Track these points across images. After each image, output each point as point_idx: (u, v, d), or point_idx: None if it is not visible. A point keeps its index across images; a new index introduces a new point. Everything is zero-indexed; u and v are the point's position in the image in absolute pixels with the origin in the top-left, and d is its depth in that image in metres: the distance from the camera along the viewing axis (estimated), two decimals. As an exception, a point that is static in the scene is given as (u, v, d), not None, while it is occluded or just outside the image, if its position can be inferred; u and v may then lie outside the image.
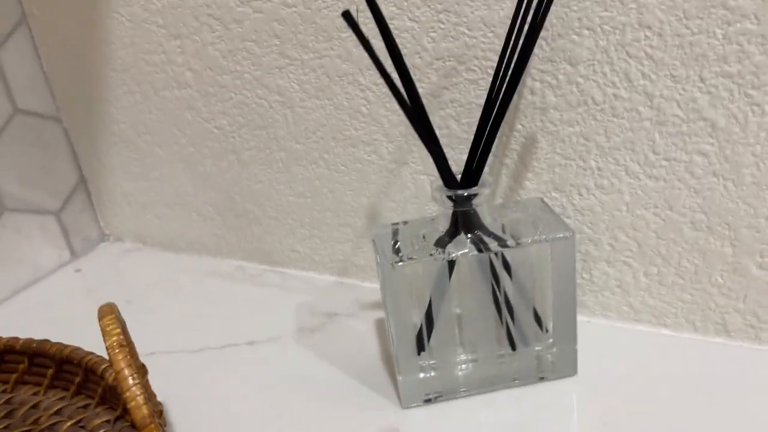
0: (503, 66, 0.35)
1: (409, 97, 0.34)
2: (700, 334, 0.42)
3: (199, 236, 0.60)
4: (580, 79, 0.38)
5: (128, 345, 0.30)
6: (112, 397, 0.40)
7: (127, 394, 0.27)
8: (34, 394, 0.43)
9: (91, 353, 0.41)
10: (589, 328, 0.44)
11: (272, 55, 0.47)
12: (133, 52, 0.54)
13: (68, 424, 0.40)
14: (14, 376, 0.44)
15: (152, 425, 0.27)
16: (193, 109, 0.53)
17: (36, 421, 0.40)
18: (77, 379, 0.42)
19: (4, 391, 0.43)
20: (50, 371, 0.43)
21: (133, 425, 0.37)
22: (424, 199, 0.47)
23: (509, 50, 0.35)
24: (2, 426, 0.40)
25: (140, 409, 0.27)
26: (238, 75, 0.50)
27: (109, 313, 0.30)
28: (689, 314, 0.41)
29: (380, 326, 0.47)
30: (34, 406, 0.42)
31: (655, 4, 0.35)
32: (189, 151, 0.56)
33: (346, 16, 0.30)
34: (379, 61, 0.32)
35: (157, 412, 0.40)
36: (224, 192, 0.56)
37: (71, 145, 0.62)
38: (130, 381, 0.27)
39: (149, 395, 0.39)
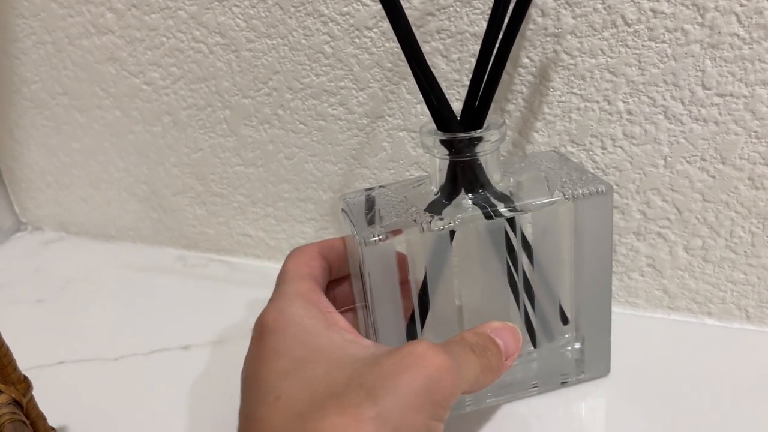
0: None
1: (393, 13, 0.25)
2: (755, 324, 0.33)
3: (132, 221, 0.50)
4: (608, -9, 0.29)
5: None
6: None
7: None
8: None
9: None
10: (618, 321, 0.35)
11: (211, -16, 0.37)
12: (41, -9, 0.43)
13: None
14: None
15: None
16: (116, 61, 0.43)
17: None
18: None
19: None
20: None
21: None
22: (404, 163, 0.37)
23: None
24: None
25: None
26: (170, 12, 0.40)
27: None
28: (741, 298, 0.33)
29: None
30: None
31: None
32: (115, 115, 0.45)
33: None
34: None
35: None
36: (159, 164, 0.46)
37: (-26, 114, 0.51)
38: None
39: (35, 417, 0.28)
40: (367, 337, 0.28)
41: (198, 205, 0.46)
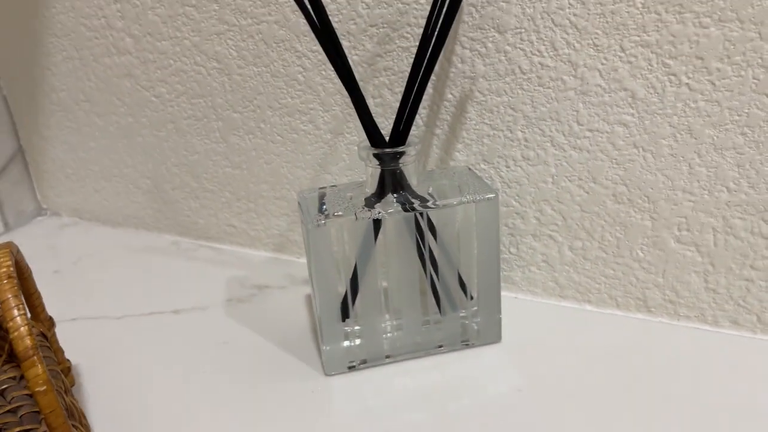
0: (430, 30, 0.35)
1: (335, 53, 0.34)
2: (622, 311, 0.42)
3: (136, 210, 0.59)
4: (507, 47, 0.38)
5: (24, 281, 0.29)
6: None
7: (11, 323, 0.26)
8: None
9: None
10: (516, 303, 0.44)
11: (211, 21, 0.47)
12: (74, 17, 0.53)
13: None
14: None
15: (35, 357, 0.26)
16: (131, 77, 0.53)
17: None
18: (-15, 335, 0.40)
19: None
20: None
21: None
22: (359, 171, 0.47)
23: (436, 15, 0.35)
24: None
25: (23, 340, 0.26)
26: (177, 41, 0.49)
27: (4, 247, 0.29)
28: (612, 290, 0.42)
29: (310, 300, 0.47)
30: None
31: (579, -27, 0.35)
32: (128, 120, 0.55)
33: None
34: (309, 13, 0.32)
35: (65, 369, 0.39)
36: (162, 163, 0.55)
37: (10, 113, 0.61)
38: (15, 312, 0.26)
39: (56, 349, 0.37)
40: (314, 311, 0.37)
41: (192, 198, 0.55)
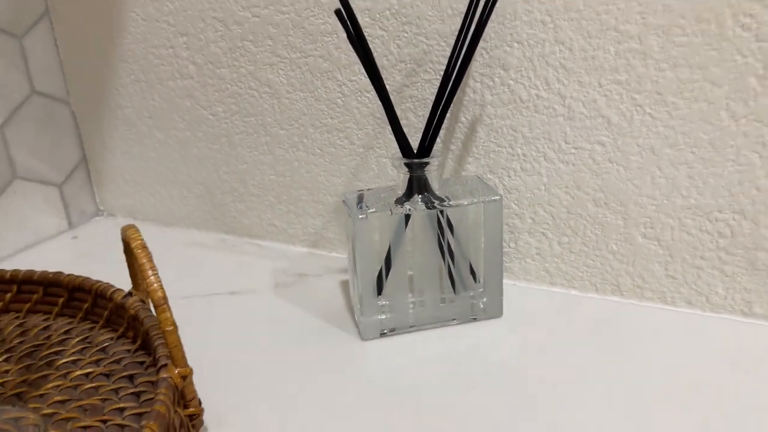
0: (450, 68, 0.45)
1: (377, 85, 0.44)
2: (600, 294, 0.52)
3: (188, 212, 0.68)
4: (510, 82, 0.48)
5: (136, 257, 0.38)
6: (116, 319, 0.48)
7: (147, 280, 0.35)
8: (45, 320, 0.50)
9: (100, 281, 0.48)
10: (515, 288, 0.54)
11: (265, 53, 0.57)
12: (144, 47, 0.63)
13: (76, 340, 0.47)
14: (27, 305, 0.51)
15: (165, 305, 0.35)
16: (192, 98, 0.62)
17: (47, 338, 0.48)
18: (85, 306, 0.49)
19: (17, 318, 0.51)
20: (62, 300, 0.50)
21: (133, 340, 0.46)
22: (385, 179, 0.56)
23: (456, 54, 0.45)
24: (17, 342, 0.48)
25: (157, 292, 0.35)
26: (234, 69, 0.59)
27: (132, 227, 0.38)
28: (592, 277, 0.51)
29: (344, 286, 0.56)
30: (45, 329, 0.49)
31: (567, 25, 0.46)
32: (185, 135, 0.64)
33: (338, 13, 0.40)
34: (365, 48, 0.42)
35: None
36: (214, 172, 0.65)
37: (77, 126, 0.71)
38: (150, 272, 0.36)
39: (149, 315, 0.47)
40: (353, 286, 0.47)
41: (239, 202, 0.65)
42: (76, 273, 0.50)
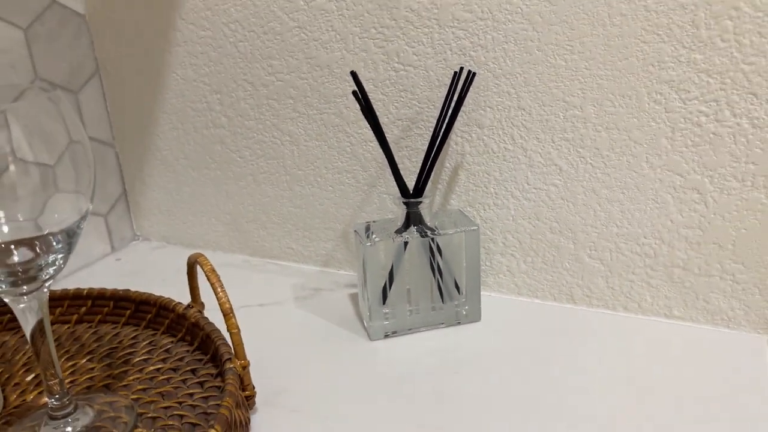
0: (438, 126, 0.59)
1: (380, 137, 0.57)
2: (558, 303, 0.65)
3: (215, 237, 0.81)
4: (484, 137, 0.62)
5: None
6: (175, 326, 0.60)
7: (218, 296, 0.48)
8: (113, 328, 0.63)
9: (162, 296, 0.61)
10: (490, 299, 0.67)
11: (287, 110, 0.70)
12: (182, 101, 0.76)
13: (144, 344, 0.60)
14: (98, 317, 0.63)
15: (231, 314, 0.48)
16: (223, 143, 0.75)
17: (119, 342, 0.60)
18: (149, 316, 0.62)
19: (90, 327, 0.63)
20: (128, 312, 0.62)
21: (191, 343, 0.58)
22: (384, 212, 0.70)
23: (442, 116, 0.59)
24: (95, 346, 0.60)
25: (225, 304, 0.48)
26: (260, 121, 0.72)
27: (201, 255, 0.51)
28: (551, 289, 0.65)
29: (352, 298, 0.69)
30: (116, 335, 0.61)
31: (527, 96, 0.59)
32: (216, 173, 0.77)
33: (353, 74, 0.53)
34: (371, 111, 0.55)
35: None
36: (240, 204, 0.77)
37: (120, 166, 0.83)
38: (220, 290, 0.48)
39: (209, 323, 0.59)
40: (362, 301, 0.60)
41: (262, 229, 0.77)
42: (133, 287, 0.62)
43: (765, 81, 0.51)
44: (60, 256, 0.41)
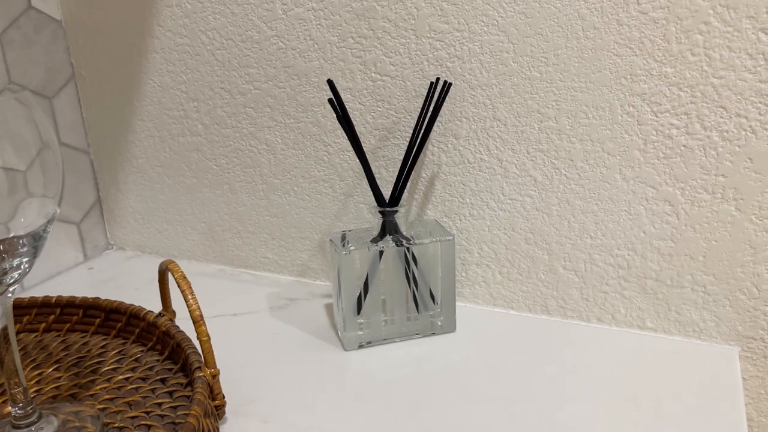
0: (415, 135, 0.59)
1: (357, 147, 0.57)
2: (533, 313, 0.65)
3: (190, 246, 0.80)
4: (460, 147, 0.62)
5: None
6: (146, 335, 0.59)
7: (188, 303, 0.47)
8: (82, 337, 0.61)
9: (133, 304, 0.60)
10: (465, 309, 0.67)
11: (264, 118, 0.70)
12: (159, 108, 0.75)
13: (113, 353, 0.59)
14: (67, 325, 0.62)
15: (202, 321, 0.47)
16: (199, 151, 0.75)
17: (88, 352, 0.59)
18: (119, 324, 0.60)
19: (58, 336, 0.62)
20: (98, 320, 0.61)
21: (161, 352, 0.57)
22: (361, 221, 0.70)
23: (418, 126, 0.59)
24: (63, 355, 0.59)
25: (195, 312, 0.47)
26: (237, 129, 0.72)
27: (172, 262, 0.50)
28: (526, 300, 0.65)
29: (327, 308, 0.68)
30: (85, 344, 0.60)
31: (502, 107, 0.60)
32: (192, 181, 0.77)
33: (330, 82, 0.53)
34: (347, 119, 0.55)
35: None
36: (215, 212, 0.77)
37: (94, 173, 0.82)
38: (190, 297, 0.48)
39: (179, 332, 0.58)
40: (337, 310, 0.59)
41: (237, 238, 0.77)
42: (104, 296, 0.61)
43: (734, 95, 0.52)
44: (25, 259, 0.40)
